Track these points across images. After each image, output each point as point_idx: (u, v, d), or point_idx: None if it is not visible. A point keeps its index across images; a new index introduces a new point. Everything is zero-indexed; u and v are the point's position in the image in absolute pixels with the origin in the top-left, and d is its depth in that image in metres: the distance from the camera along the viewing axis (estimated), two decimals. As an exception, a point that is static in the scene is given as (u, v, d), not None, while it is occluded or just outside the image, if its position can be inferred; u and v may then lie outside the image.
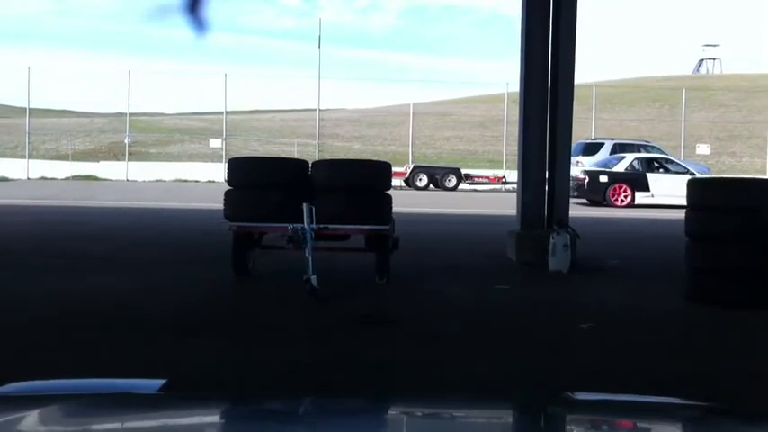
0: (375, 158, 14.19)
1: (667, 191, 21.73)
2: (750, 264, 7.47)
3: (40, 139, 37.51)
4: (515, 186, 12.89)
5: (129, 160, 33.34)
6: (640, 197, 22.52)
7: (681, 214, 8.22)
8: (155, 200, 21.22)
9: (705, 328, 7.06)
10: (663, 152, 30.60)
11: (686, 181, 8.49)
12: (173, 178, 32.05)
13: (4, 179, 30.12)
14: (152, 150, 38.90)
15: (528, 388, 4.89)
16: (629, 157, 24.13)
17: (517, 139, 11.30)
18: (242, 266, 8.56)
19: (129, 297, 7.68)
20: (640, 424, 1.75)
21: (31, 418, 1.58)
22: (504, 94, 34.22)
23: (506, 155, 32.76)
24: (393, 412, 1.83)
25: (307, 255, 7.71)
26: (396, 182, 21.89)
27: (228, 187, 8.89)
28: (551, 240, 9.63)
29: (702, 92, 47.63)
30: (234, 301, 7.76)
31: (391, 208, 8.70)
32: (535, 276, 9.48)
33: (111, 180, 31.55)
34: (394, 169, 11.53)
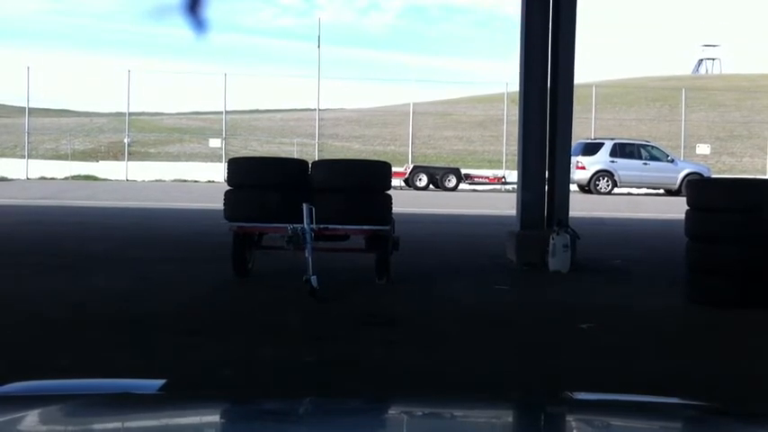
0: (375, 158, 14.18)
1: None
2: (750, 264, 7.46)
3: (40, 138, 37.49)
4: (515, 186, 12.88)
5: (128, 160, 33.33)
6: None
7: (680, 214, 8.22)
8: (154, 200, 21.22)
9: (705, 329, 7.05)
10: (663, 152, 30.65)
11: (686, 182, 8.49)
12: (172, 178, 32.04)
13: (4, 179, 30.10)
14: (152, 150, 38.87)
15: (528, 388, 4.89)
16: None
17: (517, 138, 11.30)
18: (242, 267, 8.56)
19: (129, 297, 7.67)
20: (640, 424, 1.75)
21: (31, 417, 1.58)
22: (503, 93, 34.21)
23: (506, 155, 32.76)
24: (393, 412, 1.83)
25: (306, 255, 7.71)
26: (395, 182, 21.90)
27: (228, 187, 8.89)
28: (551, 240, 9.62)
29: (702, 92, 47.59)
30: (234, 302, 7.76)
31: (391, 208, 8.69)
32: (535, 277, 9.48)
33: (111, 180, 31.55)
34: (394, 169, 11.52)
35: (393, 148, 39.82)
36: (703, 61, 77.13)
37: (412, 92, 37.23)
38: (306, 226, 7.89)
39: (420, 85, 52.55)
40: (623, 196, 28.07)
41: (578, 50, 10.64)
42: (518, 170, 11.18)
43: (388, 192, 8.83)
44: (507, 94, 33.11)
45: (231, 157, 11.68)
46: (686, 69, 74.93)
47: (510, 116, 30.98)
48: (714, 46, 78.30)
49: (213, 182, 29.90)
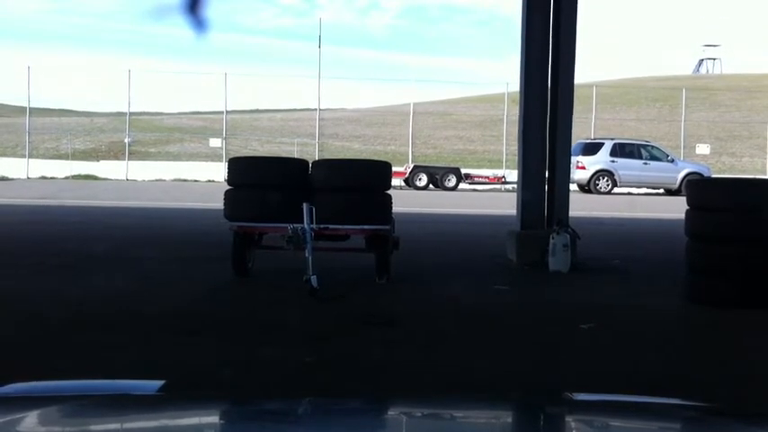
0: (375, 158, 14.18)
1: None
2: (750, 264, 7.46)
3: (40, 138, 37.48)
4: (515, 186, 12.87)
5: (129, 159, 33.32)
6: None
7: (680, 214, 8.21)
8: (155, 199, 21.21)
9: (705, 329, 7.06)
10: (663, 151, 30.65)
11: (686, 182, 8.50)
12: (173, 178, 32.02)
13: (4, 178, 30.10)
14: (152, 150, 38.86)
15: (527, 388, 4.89)
16: None
17: (517, 138, 11.30)
18: (242, 266, 8.56)
19: (129, 297, 7.67)
20: (640, 424, 1.75)
21: (31, 419, 1.58)
22: (503, 93, 34.20)
23: (506, 154, 32.76)
24: (393, 413, 1.83)
25: (307, 255, 7.71)
26: (396, 181, 21.89)
27: (228, 187, 8.89)
28: (551, 240, 9.62)
29: (702, 92, 47.58)
30: (234, 301, 7.76)
31: (391, 208, 8.70)
32: (535, 277, 9.47)
33: (111, 179, 31.54)
34: (394, 169, 11.51)
35: (393, 147, 39.82)
36: (704, 61, 77.08)
37: (412, 92, 37.16)
38: (306, 226, 7.89)
39: (420, 85, 52.47)
40: (623, 196, 28.06)
41: (578, 50, 10.65)
42: (518, 170, 11.17)
43: (389, 192, 8.83)
44: (508, 94, 33.10)
45: (231, 156, 11.68)
46: (686, 69, 74.91)
47: (510, 116, 30.97)
48: (715, 46, 78.26)
49: (213, 181, 29.89)
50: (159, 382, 1.91)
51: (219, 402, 1.91)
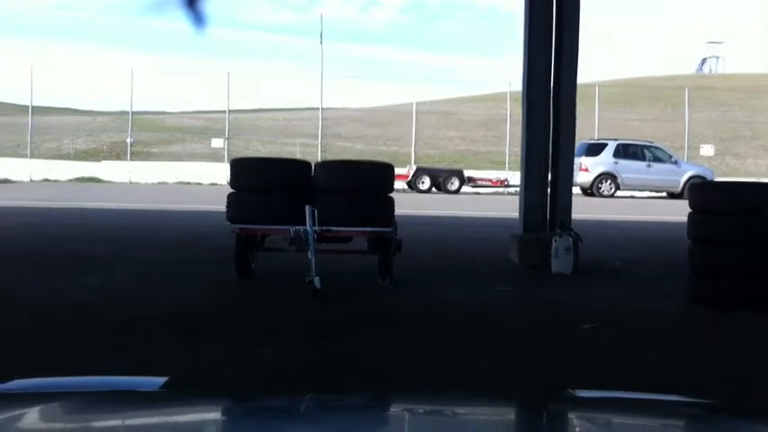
0: (377, 158, 14.15)
1: None
2: (752, 266, 7.47)
3: (42, 138, 37.45)
4: (518, 189, 12.87)
5: (131, 159, 33.28)
6: None
7: (683, 217, 8.20)
8: (157, 201, 21.20)
9: (707, 330, 7.05)
10: (667, 152, 30.58)
11: (689, 185, 8.47)
12: (175, 179, 31.95)
13: (7, 181, 30.03)
14: (154, 150, 38.84)
15: (528, 389, 4.88)
16: None
17: (520, 138, 11.28)
18: (245, 268, 8.56)
19: (131, 297, 7.68)
20: (641, 421, 1.75)
21: (32, 415, 1.58)
22: (506, 92, 34.15)
23: (509, 155, 32.72)
24: (394, 410, 1.83)
25: (309, 257, 7.71)
26: (398, 184, 21.82)
27: (231, 189, 8.89)
28: (554, 243, 9.61)
29: (706, 91, 47.48)
30: (236, 303, 7.76)
31: (394, 210, 8.69)
32: (537, 279, 9.46)
33: (114, 182, 31.47)
34: (396, 171, 11.48)
35: (396, 148, 39.75)
36: (707, 60, 76.87)
37: (415, 91, 37.14)
38: (308, 228, 7.89)
39: (422, 83, 52.40)
40: (626, 199, 28.02)
41: (581, 49, 10.64)
42: (521, 172, 11.16)
43: (391, 194, 8.81)
44: (510, 93, 33.05)
45: (233, 157, 11.67)
46: (689, 68, 74.76)
47: (513, 116, 30.92)
48: (718, 43, 77.99)
49: (216, 184, 29.80)
50: (162, 379, 1.91)
51: (222, 399, 1.91)
